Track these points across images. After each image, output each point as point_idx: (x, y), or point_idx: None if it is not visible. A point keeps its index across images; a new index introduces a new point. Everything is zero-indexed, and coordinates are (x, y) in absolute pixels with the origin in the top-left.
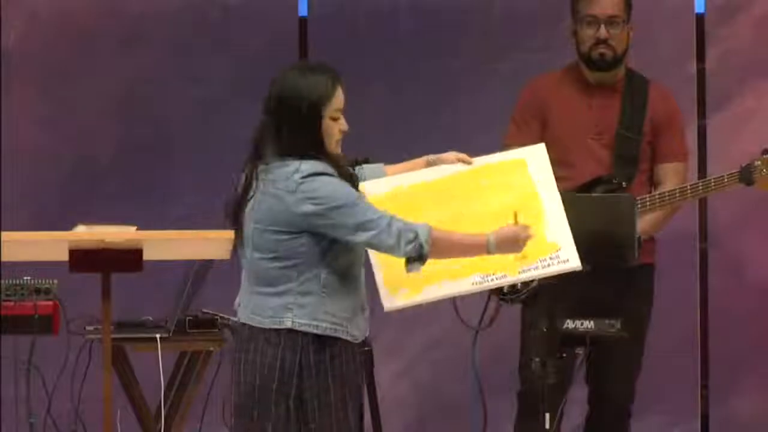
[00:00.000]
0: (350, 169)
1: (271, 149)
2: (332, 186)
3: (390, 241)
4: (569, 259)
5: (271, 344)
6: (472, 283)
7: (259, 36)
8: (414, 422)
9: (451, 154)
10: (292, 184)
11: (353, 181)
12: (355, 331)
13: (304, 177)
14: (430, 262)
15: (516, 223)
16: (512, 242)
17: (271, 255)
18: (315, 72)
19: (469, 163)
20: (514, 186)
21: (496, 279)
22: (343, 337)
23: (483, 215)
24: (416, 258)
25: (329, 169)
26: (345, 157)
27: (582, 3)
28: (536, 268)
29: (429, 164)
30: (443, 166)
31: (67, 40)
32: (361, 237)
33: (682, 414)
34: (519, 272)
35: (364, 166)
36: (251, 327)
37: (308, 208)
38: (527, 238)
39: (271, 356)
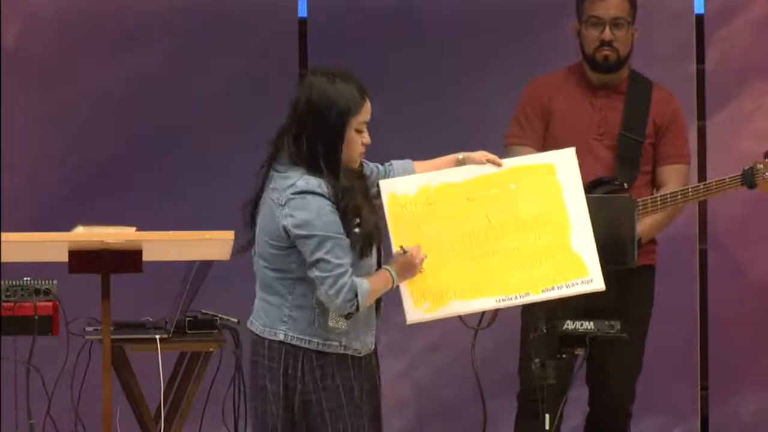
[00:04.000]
0: (362, 176)
1: (286, 154)
2: (316, 212)
3: (330, 291)
4: (593, 280)
5: (274, 351)
6: (496, 300)
7: (259, 36)
8: (414, 422)
9: (481, 154)
10: (284, 197)
11: (354, 202)
12: (356, 344)
13: (295, 193)
14: (458, 277)
15: (403, 251)
16: (408, 269)
17: (270, 265)
18: (344, 80)
19: (499, 164)
20: (542, 192)
21: (520, 297)
22: (339, 351)
23: (509, 225)
24: (343, 314)
25: (325, 190)
26: (362, 167)
27: (587, 4)
28: (560, 288)
29: (458, 163)
30: (472, 166)
31: (67, 40)
32: (312, 272)
33: (681, 415)
34: (542, 291)
35: (393, 162)
36: (255, 333)
37: (287, 222)
38: (421, 260)
39: (275, 362)
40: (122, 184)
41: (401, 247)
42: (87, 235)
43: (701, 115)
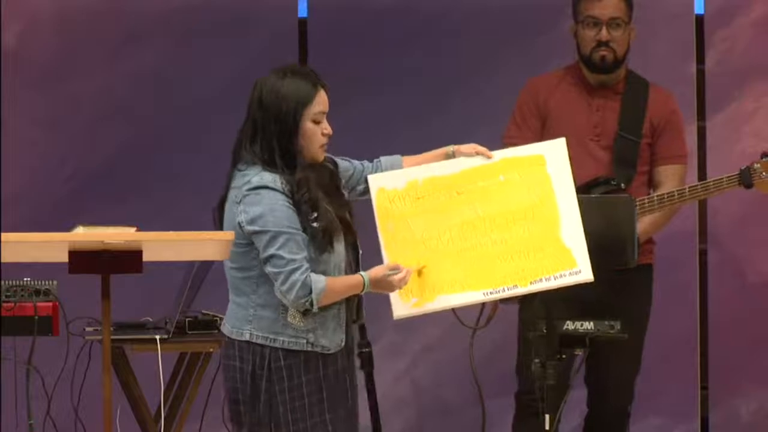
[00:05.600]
0: (331, 173)
1: (245, 153)
2: (269, 207)
3: (282, 287)
4: (581, 271)
5: (243, 351)
6: (484, 294)
7: (259, 36)
8: (413, 422)
9: (470, 146)
10: (240, 194)
11: (309, 194)
12: (324, 341)
13: (249, 189)
14: (445, 272)
15: (395, 271)
16: (387, 286)
17: (234, 265)
18: (295, 75)
19: (489, 156)
20: (532, 184)
21: (508, 290)
22: (306, 349)
23: (498, 218)
24: (301, 311)
25: (279, 185)
26: (326, 160)
27: (584, 4)
28: (548, 279)
29: (448, 156)
30: (460, 159)
31: (67, 40)
32: (267, 268)
33: (681, 415)
34: (530, 284)
35: (381, 158)
36: (225, 335)
37: (242, 218)
38: (401, 280)
39: (245, 363)
40: (122, 184)
41: (396, 265)
42: (87, 235)
43: (701, 116)
